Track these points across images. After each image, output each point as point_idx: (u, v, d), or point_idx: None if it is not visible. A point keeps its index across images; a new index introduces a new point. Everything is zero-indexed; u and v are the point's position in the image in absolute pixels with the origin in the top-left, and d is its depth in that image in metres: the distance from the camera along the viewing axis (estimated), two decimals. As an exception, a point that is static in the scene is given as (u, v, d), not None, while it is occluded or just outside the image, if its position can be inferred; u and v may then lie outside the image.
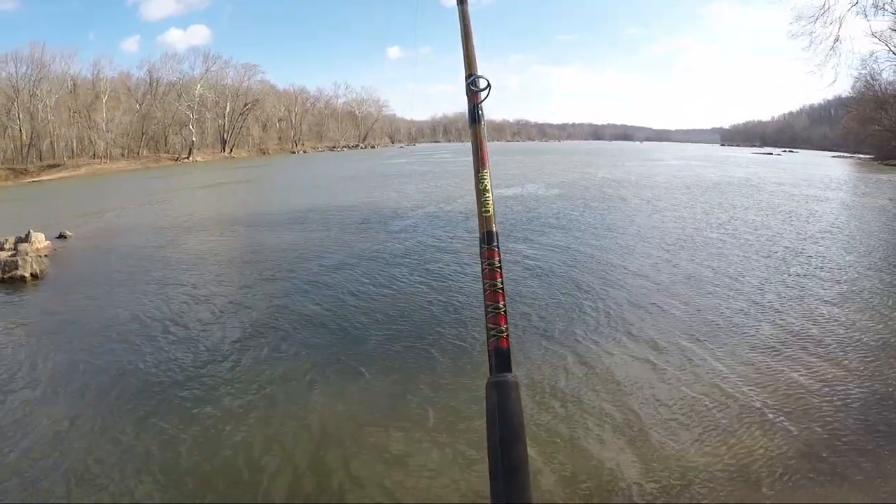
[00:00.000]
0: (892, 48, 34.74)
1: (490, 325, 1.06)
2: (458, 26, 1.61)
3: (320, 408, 4.34)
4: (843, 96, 58.93)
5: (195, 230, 13.23)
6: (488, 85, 1.44)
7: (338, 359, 5.25)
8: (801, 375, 4.80)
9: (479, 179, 1.30)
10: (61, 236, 12.26)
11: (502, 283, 1.13)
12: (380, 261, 9.30)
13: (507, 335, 1.05)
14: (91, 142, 52.03)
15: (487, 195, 1.27)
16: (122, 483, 3.50)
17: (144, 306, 7.10)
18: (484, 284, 1.13)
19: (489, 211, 1.24)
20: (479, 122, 1.40)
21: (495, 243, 1.18)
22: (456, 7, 1.65)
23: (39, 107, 49.37)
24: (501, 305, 1.09)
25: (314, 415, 4.24)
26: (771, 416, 4.16)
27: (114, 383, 4.93)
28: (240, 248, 11.08)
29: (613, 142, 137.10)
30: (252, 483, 3.46)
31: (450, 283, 7.82)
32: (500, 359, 1.01)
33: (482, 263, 1.17)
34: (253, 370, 5.09)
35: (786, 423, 4.05)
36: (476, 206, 1.28)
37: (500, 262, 1.15)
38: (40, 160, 47.44)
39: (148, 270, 9.04)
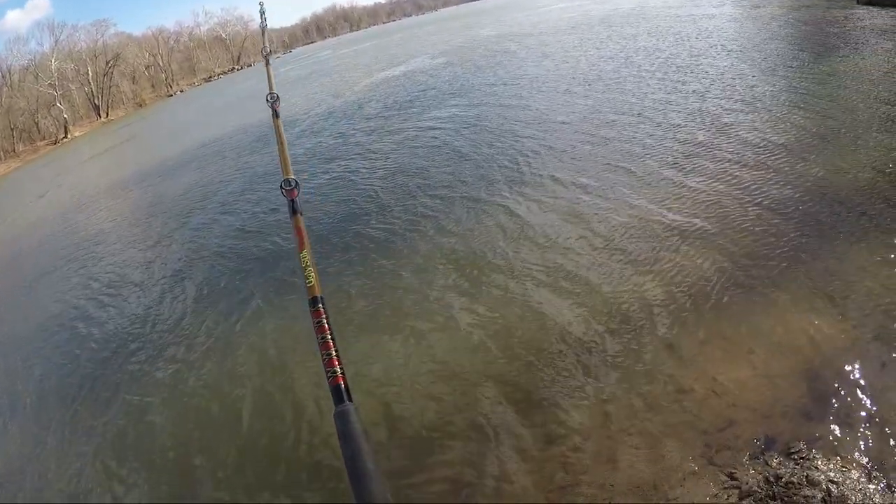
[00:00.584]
0: None
1: (327, 369, 1.18)
2: (275, 136, 1.88)
3: (261, 336, 5.00)
4: None
5: (83, 211, 13.67)
6: (297, 183, 1.59)
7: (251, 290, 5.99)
8: (717, 183, 5.25)
9: (301, 259, 1.42)
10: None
11: (332, 334, 1.24)
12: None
13: (342, 373, 1.16)
14: (-40, 155, 48.10)
15: (309, 270, 1.38)
16: (101, 464, 4.01)
17: (71, 291, 7.76)
18: (317, 338, 1.23)
19: (312, 282, 1.34)
20: (298, 212, 1.54)
21: (321, 305, 1.29)
22: (272, 121, 1.97)
23: None
24: (333, 352, 1.21)
25: (263, 343, 4.89)
26: (697, 225, 4.62)
27: (69, 370, 5.52)
28: (129, 215, 11.63)
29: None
30: (227, 425, 4.04)
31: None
32: (339, 393, 1.13)
33: (312, 322, 1.27)
34: (194, 317, 5.74)
35: (711, 231, 4.51)
36: (302, 277, 1.38)
37: (327, 317, 1.26)
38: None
39: (52, 264, 9.68)
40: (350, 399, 1.13)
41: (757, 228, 4.50)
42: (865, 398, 2.96)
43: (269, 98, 2.06)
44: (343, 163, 9.78)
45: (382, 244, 6.20)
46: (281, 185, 1.59)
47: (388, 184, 8.01)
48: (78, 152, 34.60)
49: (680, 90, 8.70)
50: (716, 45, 11.99)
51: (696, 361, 3.40)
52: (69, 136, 54.06)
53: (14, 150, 51.50)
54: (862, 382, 3.04)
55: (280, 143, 1.81)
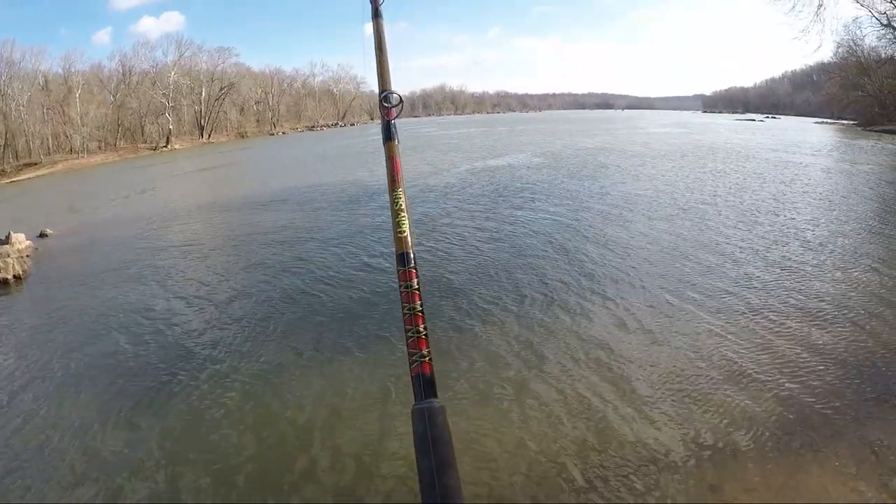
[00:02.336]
0: (875, 13, 34.44)
1: (412, 351, 1.03)
2: (374, 42, 1.57)
3: (307, 394, 4.49)
4: (826, 62, 57.91)
5: (173, 220, 13.29)
6: (401, 100, 1.41)
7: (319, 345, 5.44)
8: (793, 342, 4.89)
9: (393, 199, 1.24)
10: (42, 235, 12.37)
11: (422, 306, 1.09)
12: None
13: (430, 360, 1.01)
14: (67, 137, 51.12)
15: (403, 215, 1.20)
16: (121, 479, 3.62)
17: (130, 301, 7.27)
18: (403, 308, 1.09)
19: (404, 231, 1.18)
20: (394, 138, 1.36)
21: (412, 265, 1.14)
22: (371, 22, 1.61)
23: (12, 106, 48.35)
24: (422, 329, 1.06)
25: (305, 401, 4.37)
26: (764, 378, 4.29)
27: (107, 380, 5.06)
28: (220, 236, 11.21)
29: (594, 111, 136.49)
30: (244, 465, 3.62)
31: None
32: (424, 384, 0.99)
33: (400, 286, 1.12)
34: (242, 360, 5.21)
35: (781, 385, 4.20)
36: (392, 226, 1.21)
37: (418, 283, 1.11)
38: (16, 160, 46.63)
39: (132, 264, 9.18)
40: (435, 394, 1.00)
41: (817, 386, 4.22)
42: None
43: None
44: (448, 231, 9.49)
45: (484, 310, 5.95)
46: (380, 101, 1.40)
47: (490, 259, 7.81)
48: (178, 163, 35.90)
49: (780, 241, 8.18)
50: (811, 196, 11.67)
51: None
52: (170, 146, 57.16)
53: (115, 145, 54.60)
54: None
55: (380, 52, 1.52)
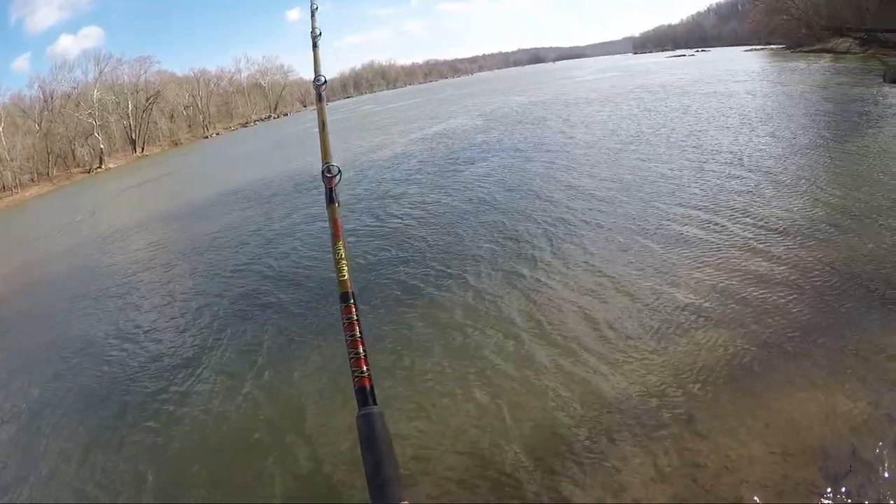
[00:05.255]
0: None
1: (353, 368, 1.17)
2: (318, 122, 1.84)
3: (272, 391, 4.87)
4: None
5: (116, 241, 13.65)
6: (339, 171, 1.58)
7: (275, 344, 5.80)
8: (733, 261, 5.35)
9: (335, 250, 1.40)
10: (-15, 277, 12.51)
11: (361, 333, 1.23)
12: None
13: (369, 374, 1.15)
14: (-4, 174, 49.64)
15: (343, 263, 1.36)
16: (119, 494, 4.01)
17: (86, 324, 7.66)
18: (345, 335, 1.23)
19: (345, 276, 1.34)
20: (335, 202, 1.53)
21: (352, 301, 1.28)
22: (315, 105, 1.93)
23: (-71, 149, 46.65)
24: (361, 351, 1.20)
25: (278, 395, 4.76)
26: (712, 304, 4.68)
27: (88, 402, 5.40)
28: (165, 249, 11.47)
29: (525, 67, 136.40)
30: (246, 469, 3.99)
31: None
32: (364, 396, 1.12)
33: (342, 318, 1.26)
34: (197, 370, 5.53)
35: (727, 310, 4.58)
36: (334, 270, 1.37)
37: (357, 314, 1.25)
38: (-55, 204, 45.23)
39: (81, 290, 9.54)
40: (375, 402, 1.12)
41: (773, 308, 4.54)
42: (878, 479, 2.92)
43: (315, 81, 2.01)
44: (389, 207, 10.25)
45: (419, 288, 6.35)
46: (322, 172, 1.57)
47: (429, 230, 8.36)
48: (112, 182, 35.34)
49: (701, 167, 8.84)
50: (744, 121, 12.28)
51: (711, 436, 3.39)
52: (104, 166, 55.85)
53: (49, 174, 53.14)
54: (875, 462, 3.01)
55: (322, 128, 1.78)
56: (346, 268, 1.36)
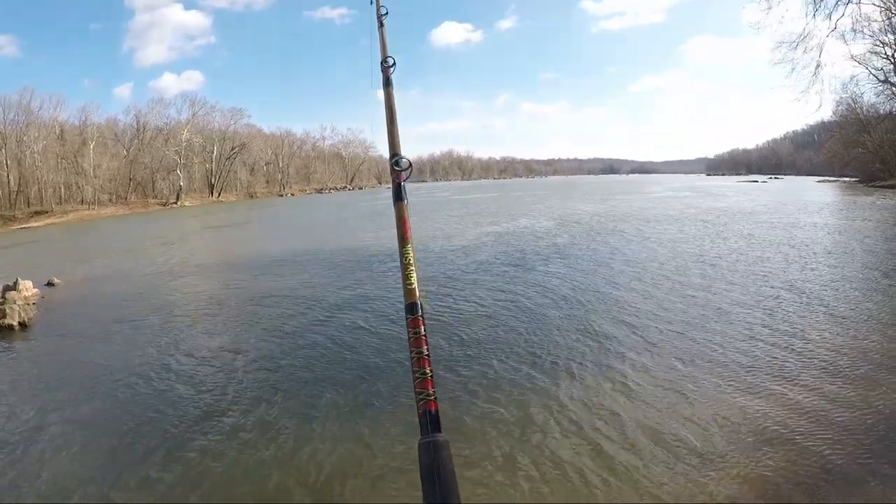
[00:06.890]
0: (872, 70, 34.89)
1: (418, 390, 1.10)
2: (384, 109, 1.68)
3: (316, 454, 4.39)
4: (826, 120, 59.82)
5: (180, 277, 13.17)
6: (410, 165, 1.51)
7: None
8: (805, 397, 4.87)
9: (403, 254, 1.32)
10: (49, 284, 12.24)
11: (428, 350, 1.17)
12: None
13: (435, 398, 1.09)
14: (79, 188, 51.98)
15: (411, 268, 1.28)
16: None
17: (135, 353, 7.09)
18: (411, 352, 1.16)
19: (413, 284, 1.26)
20: (403, 199, 1.43)
21: (419, 313, 1.21)
22: (382, 90, 1.74)
23: (27, 153, 49.43)
24: (428, 371, 1.13)
25: (316, 460, 4.29)
26: (779, 433, 4.25)
27: (112, 433, 4.93)
28: (228, 295, 10.91)
29: (599, 176, 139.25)
30: None
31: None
32: (430, 421, 1.05)
33: (408, 332, 1.20)
34: (247, 418, 5.08)
35: (798, 441, 4.15)
36: (401, 279, 1.29)
37: (424, 330, 1.19)
38: (28, 206, 47.26)
39: (137, 318, 8.98)
40: (439, 430, 1.07)
41: (813, 446, 4.12)
42: None
43: (383, 63, 1.80)
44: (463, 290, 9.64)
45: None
46: (390, 164, 1.50)
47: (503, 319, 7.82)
48: (188, 220, 36.51)
49: (769, 299, 8.29)
50: (812, 253, 12.03)
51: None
52: (180, 202, 57.93)
53: (126, 199, 55.33)
54: None
55: (390, 119, 1.63)
56: (414, 274, 1.30)
